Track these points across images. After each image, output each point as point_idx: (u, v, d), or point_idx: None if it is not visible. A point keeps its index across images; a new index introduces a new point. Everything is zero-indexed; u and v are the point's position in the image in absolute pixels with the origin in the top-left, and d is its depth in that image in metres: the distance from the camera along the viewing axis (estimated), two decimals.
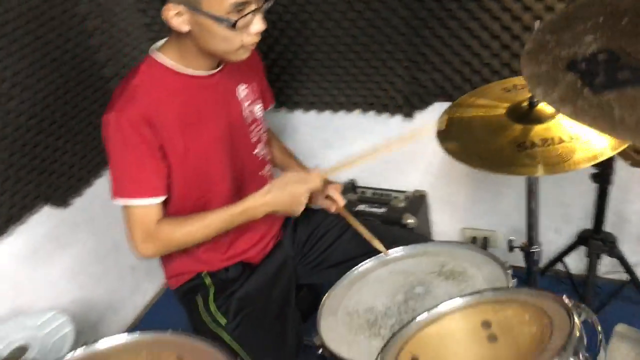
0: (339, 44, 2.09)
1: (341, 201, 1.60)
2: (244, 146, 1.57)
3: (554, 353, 0.84)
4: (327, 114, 2.33)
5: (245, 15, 1.29)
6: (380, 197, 2.36)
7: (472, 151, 1.31)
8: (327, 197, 1.62)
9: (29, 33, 1.79)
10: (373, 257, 1.47)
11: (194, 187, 1.46)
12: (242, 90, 1.55)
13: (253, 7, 1.30)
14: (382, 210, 2.28)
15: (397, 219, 2.20)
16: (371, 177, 2.45)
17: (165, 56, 1.40)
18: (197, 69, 1.42)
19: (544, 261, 2.24)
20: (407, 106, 2.12)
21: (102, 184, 2.20)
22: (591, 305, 1.99)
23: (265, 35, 2.10)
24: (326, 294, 1.42)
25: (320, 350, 1.30)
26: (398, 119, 2.20)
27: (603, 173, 1.69)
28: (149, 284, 2.59)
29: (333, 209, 1.61)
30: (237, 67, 1.50)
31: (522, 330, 0.96)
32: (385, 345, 1.04)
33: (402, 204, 2.29)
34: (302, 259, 1.70)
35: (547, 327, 0.91)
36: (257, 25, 1.32)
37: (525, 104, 1.35)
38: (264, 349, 1.46)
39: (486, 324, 1.06)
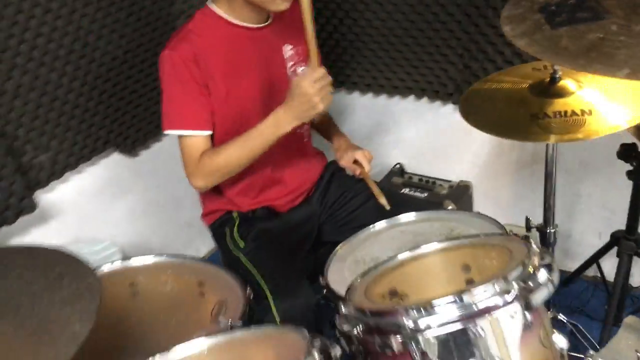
0: (397, 27, 2.18)
1: (367, 166, 1.69)
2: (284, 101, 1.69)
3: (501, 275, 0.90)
4: (382, 98, 2.43)
5: None
6: (426, 183, 2.42)
7: (488, 118, 1.37)
8: (355, 161, 1.72)
9: None
10: (388, 219, 1.55)
11: (232, 130, 1.60)
12: (289, 50, 1.68)
13: None
14: (424, 195, 2.34)
15: (436, 205, 2.24)
16: (420, 165, 2.51)
17: (217, 7, 1.56)
18: (244, 21, 1.56)
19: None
20: (458, 94, 2.17)
21: (168, 141, 2.39)
22: (623, 310, 1.95)
23: (329, 15, 2.25)
24: (339, 245, 1.51)
25: (324, 290, 1.39)
26: (449, 107, 2.26)
27: (638, 170, 1.67)
28: (201, 243, 2.76)
29: (357, 173, 1.70)
30: (286, 26, 1.63)
31: (491, 264, 1.01)
32: (366, 272, 1.12)
33: (444, 192, 2.33)
34: (330, 217, 1.80)
35: (508, 260, 0.97)
36: None
37: (547, 79, 1.39)
38: (273, 269, 1.57)
39: (466, 267, 1.12)
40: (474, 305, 0.93)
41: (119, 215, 2.34)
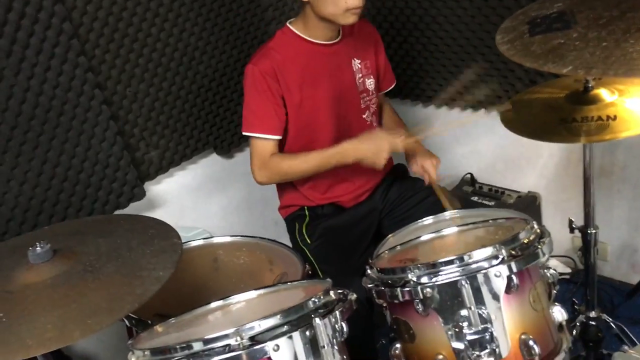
0: (468, 45, 2.34)
1: (433, 175, 1.88)
2: (353, 109, 1.93)
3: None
4: (456, 111, 2.58)
5: None
6: (495, 193, 2.54)
7: (523, 123, 1.52)
8: (423, 167, 1.91)
9: (212, 10, 2.31)
10: (435, 215, 1.73)
11: (302, 134, 1.86)
12: (357, 63, 1.92)
13: None
14: (491, 204, 2.46)
15: None
16: (491, 175, 2.63)
17: (295, 27, 1.83)
18: (318, 38, 1.82)
19: None
20: None
21: None
22: None
23: (406, 34, 2.46)
24: (390, 235, 1.71)
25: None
26: None
27: None
28: (286, 240, 3.03)
29: (426, 179, 1.89)
30: (354, 43, 1.88)
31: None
32: (393, 247, 1.33)
33: (511, 201, 2.44)
34: (390, 212, 2.00)
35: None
36: None
37: (581, 89, 1.53)
38: (332, 265, 1.80)
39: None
40: (467, 266, 1.12)
41: (214, 209, 2.66)
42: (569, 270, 2.50)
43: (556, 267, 2.45)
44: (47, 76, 1.89)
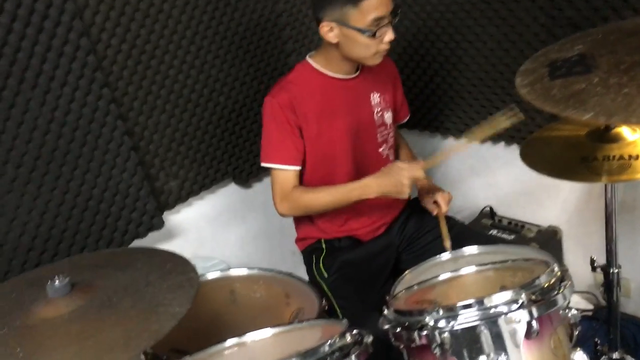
0: (487, 78, 2.34)
1: (444, 207, 1.87)
2: (370, 143, 1.93)
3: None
4: (474, 144, 2.57)
5: (381, 27, 1.67)
6: (514, 227, 2.51)
7: (544, 160, 1.51)
8: (435, 202, 1.90)
9: (233, 43, 2.34)
10: (453, 251, 1.72)
11: (320, 166, 1.87)
12: (376, 97, 1.93)
13: (387, 20, 1.68)
14: (511, 237, 2.43)
15: None
16: (512, 208, 2.61)
17: (315, 61, 1.85)
18: (337, 73, 1.84)
19: None
20: None
21: None
22: None
23: (425, 67, 2.47)
24: (407, 270, 1.70)
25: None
26: None
27: None
28: (304, 271, 3.02)
29: (435, 213, 1.89)
30: (373, 77, 1.89)
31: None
32: (410, 286, 1.31)
33: (531, 235, 2.42)
34: (407, 247, 1.99)
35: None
36: (389, 35, 1.71)
37: (602, 127, 1.51)
38: (349, 300, 1.78)
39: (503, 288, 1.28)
40: (485, 310, 1.10)
41: (233, 239, 2.66)
42: (591, 307, 2.45)
43: (578, 303, 2.42)
44: (70, 107, 1.93)
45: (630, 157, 1.40)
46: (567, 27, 1.98)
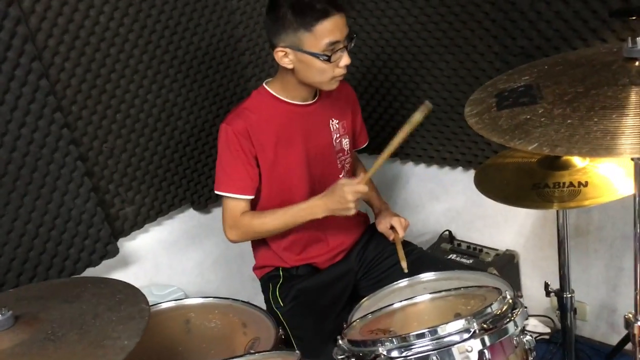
0: (445, 104, 2.37)
1: (401, 232, 1.88)
2: (329, 169, 1.93)
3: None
4: (434, 168, 2.60)
5: (336, 51, 1.67)
6: (473, 250, 2.53)
7: (497, 187, 1.53)
8: (391, 227, 1.91)
9: (192, 67, 2.32)
10: (410, 277, 1.72)
11: (277, 194, 1.85)
12: (335, 124, 1.93)
13: (342, 45, 1.69)
14: (469, 262, 2.45)
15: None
16: (470, 233, 2.64)
17: (271, 88, 1.84)
18: (294, 99, 1.83)
19: None
20: None
21: None
22: None
23: (384, 92, 2.49)
24: (365, 298, 1.69)
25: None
26: None
27: None
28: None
29: (391, 238, 1.89)
30: (332, 103, 1.89)
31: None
32: (365, 315, 1.30)
33: (489, 259, 2.44)
34: (366, 274, 1.98)
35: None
36: (345, 59, 1.71)
37: (554, 155, 1.54)
38: (304, 330, 1.77)
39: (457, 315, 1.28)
40: (438, 340, 1.10)
41: (191, 265, 2.62)
42: (548, 330, 2.48)
43: (535, 326, 2.44)
44: (21, 132, 1.87)
45: (579, 183, 1.43)
46: (520, 56, 2.03)
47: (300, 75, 1.75)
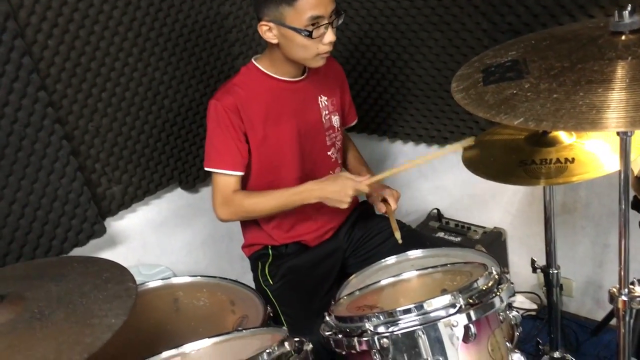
0: (434, 82, 2.36)
1: (393, 205, 1.88)
2: (319, 146, 1.92)
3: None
4: (422, 146, 2.60)
5: (319, 26, 1.65)
6: (461, 229, 2.54)
7: (484, 164, 1.53)
8: (383, 199, 1.90)
9: (178, 45, 2.29)
10: (398, 254, 1.72)
11: (266, 171, 1.84)
12: (323, 100, 1.92)
13: (326, 21, 1.67)
14: (457, 239, 2.46)
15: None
16: (458, 211, 2.65)
17: (260, 64, 1.82)
18: (283, 75, 1.82)
19: None
20: None
21: None
22: None
23: (373, 70, 2.47)
24: (352, 275, 1.70)
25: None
26: None
27: None
28: (252, 277, 2.98)
29: (383, 210, 1.89)
30: (320, 80, 1.88)
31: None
32: (352, 292, 1.31)
33: (477, 237, 2.45)
34: (354, 252, 1.99)
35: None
36: (329, 36, 1.68)
37: (540, 131, 1.54)
38: (293, 308, 1.77)
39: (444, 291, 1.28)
40: (424, 315, 1.10)
41: (179, 245, 2.61)
42: (535, 306, 2.50)
43: (522, 303, 2.47)
44: (5, 111, 1.85)
45: (566, 160, 1.44)
46: (508, 33, 2.02)
47: (284, 50, 1.74)
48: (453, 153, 2.42)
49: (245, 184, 1.85)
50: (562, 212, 2.33)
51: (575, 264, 2.38)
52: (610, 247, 2.27)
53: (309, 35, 1.64)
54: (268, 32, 1.71)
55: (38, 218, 1.97)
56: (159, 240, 2.51)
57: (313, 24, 1.65)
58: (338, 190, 1.72)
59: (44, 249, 2.01)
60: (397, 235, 1.80)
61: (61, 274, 1.43)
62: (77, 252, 2.13)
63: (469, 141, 1.71)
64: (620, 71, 1.01)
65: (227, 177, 1.79)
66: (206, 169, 1.82)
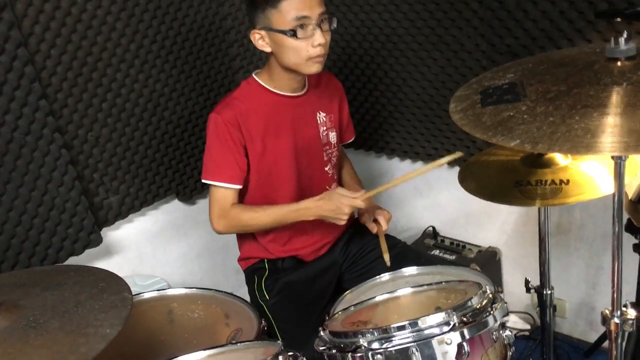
0: (431, 101, 2.39)
1: (384, 225, 1.89)
2: (316, 162, 1.94)
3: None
4: (419, 164, 2.62)
5: (306, 27, 1.66)
6: (456, 247, 2.56)
7: (480, 184, 1.55)
8: (375, 220, 1.92)
9: (180, 58, 2.31)
10: (392, 271, 1.73)
11: (263, 185, 1.85)
12: (322, 117, 1.94)
13: (313, 22, 1.68)
14: (452, 258, 2.47)
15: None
16: (454, 229, 2.66)
17: (260, 78, 1.84)
18: (283, 90, 1.83)
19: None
20: None
21: None
22: None
23: (372, 88, 2.49)
24: (347, 291, 1.70)
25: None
26: None
27: None
28: (247, 291, 2.98)
29: (375, 231, 1.90)
30: (319, 96, 1.90)
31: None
32: (347, 308, 1.31)
33: (472, 255, 2.46)
34: (350, 267, 2.00)
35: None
36: (318, 38, 1.69)
37: (536, 152, 1.56)
38: (290, 323, 1.78)
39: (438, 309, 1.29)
40: (418, 332, 1.11)
41: (175, 256, 2.61)
42: (528, 326, 2.51)
43: (515, 323, 2.47)
44: (5, 119, 1.86)
45: (561, 181, 1.45)
46: (506, 55, 2.04)
47: (278, 58, 1.75)
48: (448, 169, 2.46)
49: (241, 197, 1.87)
50: (557, 233, 2.34)
51: (569, 285, 2.39)
52: (604, 269, 2.28)
53: (294, 34, 1.65)
54: (260, 40, 1.73)
55: (35, 226, 1.98)
56: (155, 251, 2.52)
57: (299, 25, 1.66)
58: (334, 208, 1.74)
59: (40, 257, 2.01)
60: (386, 257, 1.82)
61: (57, 283, 1.43)
62: (72, 261, 2.13)
63: (455, 155, 1.70)
64: (616, 97, 1.03)
65: (225, 190, 1.80)
66: (204, 181, 1.84)
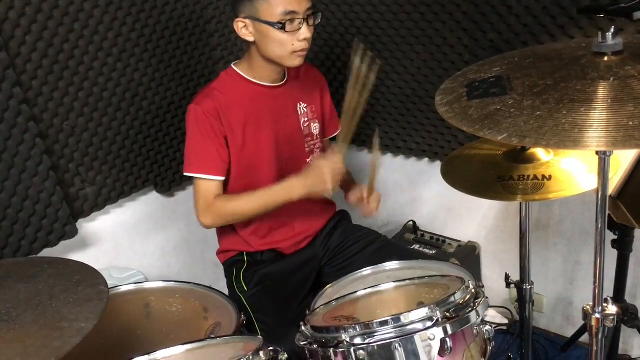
0: (414, 95, 2.38)
1: (374, 212, 1.87)
2: (297, 153, 1.91)
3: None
4: (400, 158, 2.61)
5: (293, 21, 1.65)
6: (436, 241, 2.56)
7: (463, 178, 1.54)
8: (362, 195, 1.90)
9: (159, 47, 2.27)
10: (374, 266, 1.72)
11: (245, 176, 1.83)
12: (302, 108, 1.91)
13: (300, 17, 1.67)
14: (432, 252, 2.47)
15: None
16: (433, 224, 2.66)
17: (240, 69, 1.81)
18: (262, 80, 1.81)
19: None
20: None
21: None
22: None
23: None
24: (328, 285, 1.69)
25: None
26: None
27: (622, 240, 1.77)
28: (225, 284, 2.95)
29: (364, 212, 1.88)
30: (300, 87, 1.87)
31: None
32: (329, 302, 1.30)
33: (451, 250, 2.46)
34: (330, 261, 1.98)
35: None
36: (304, 33, 1.68)
37: (518, 147, 1.56)
38: (268, 315, 1.75)
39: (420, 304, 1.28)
40: (401, 327, 1.10)
41: (152, 249, 2.57)
42: (506, 321, 2.52)
43: (494, 317, 2.48)
44: None
45: (543, 177, 1.46)
46: (489, 50, 2.04)
47: (261, 48, 1.73)
48: (429, 163, 2.46)
49: (223, 189, 1.84)
50: (536, 229, 2.35)
51: (547, 280, 2.40)
52: (581, 264, 2.30)
53: (282, 27, 1.64)
54: (244, 29, 1.71)
55: (8, 217, 1.93)
56: (132, 243, 2.47)
57: (287, 19, 1.64)
58: (316, 177, 1.70)
59: (13, 249, 1.96)
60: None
61: (30, 275, 1.39)
62: (47, 253, 2.08)
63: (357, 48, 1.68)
64: (602, 91, 1.03)
65: (209, 182, 1.77)
66: (186, 174, 1.80)
